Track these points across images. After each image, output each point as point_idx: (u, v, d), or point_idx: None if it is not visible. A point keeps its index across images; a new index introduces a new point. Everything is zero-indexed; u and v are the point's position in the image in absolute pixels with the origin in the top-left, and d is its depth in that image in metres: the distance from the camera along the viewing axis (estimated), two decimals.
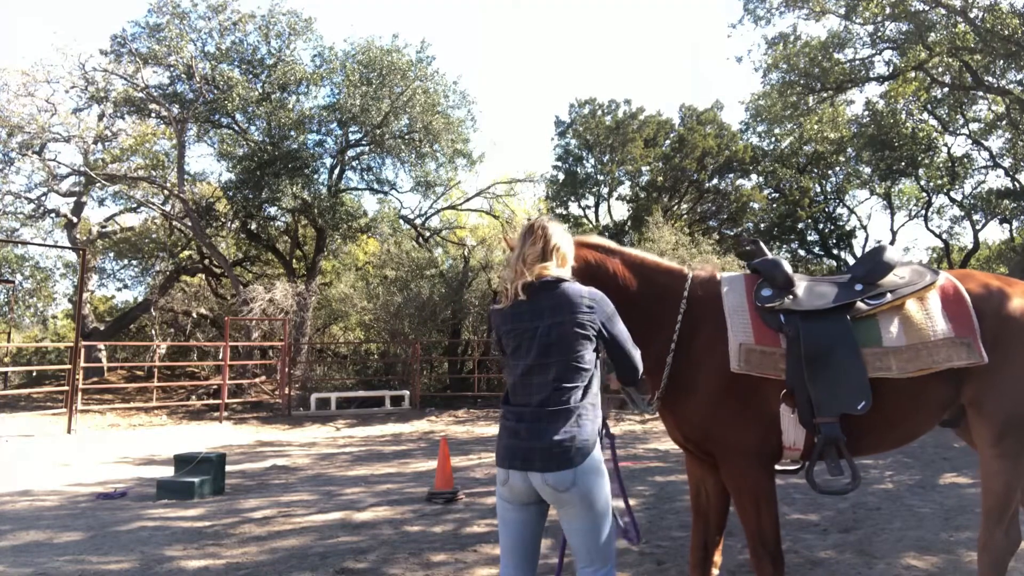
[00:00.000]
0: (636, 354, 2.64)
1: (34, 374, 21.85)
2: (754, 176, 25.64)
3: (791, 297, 3.03)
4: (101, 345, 21.49)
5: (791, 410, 2.91)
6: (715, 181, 25.15)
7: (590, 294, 2.56)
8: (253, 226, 22.22)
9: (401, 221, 24.24)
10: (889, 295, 3.03)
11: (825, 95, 19.84)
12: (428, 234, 25.25)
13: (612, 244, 3.25)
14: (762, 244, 3.38)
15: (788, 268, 3.12)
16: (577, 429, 2.45)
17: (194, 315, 26.19)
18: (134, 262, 24.90)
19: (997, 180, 25.33)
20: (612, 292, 2.77)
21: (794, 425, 2.92)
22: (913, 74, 19.00)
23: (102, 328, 23.42)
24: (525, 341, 2.52)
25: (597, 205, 25.01)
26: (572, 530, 2.49)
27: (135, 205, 23.35)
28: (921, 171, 23.42)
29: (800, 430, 2.92)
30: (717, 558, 3.29)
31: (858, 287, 3.07)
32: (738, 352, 2.92)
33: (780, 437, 2.95)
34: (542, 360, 2.48)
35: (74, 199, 22.51)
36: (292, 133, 20.21)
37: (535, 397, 2.49)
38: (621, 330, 2.61)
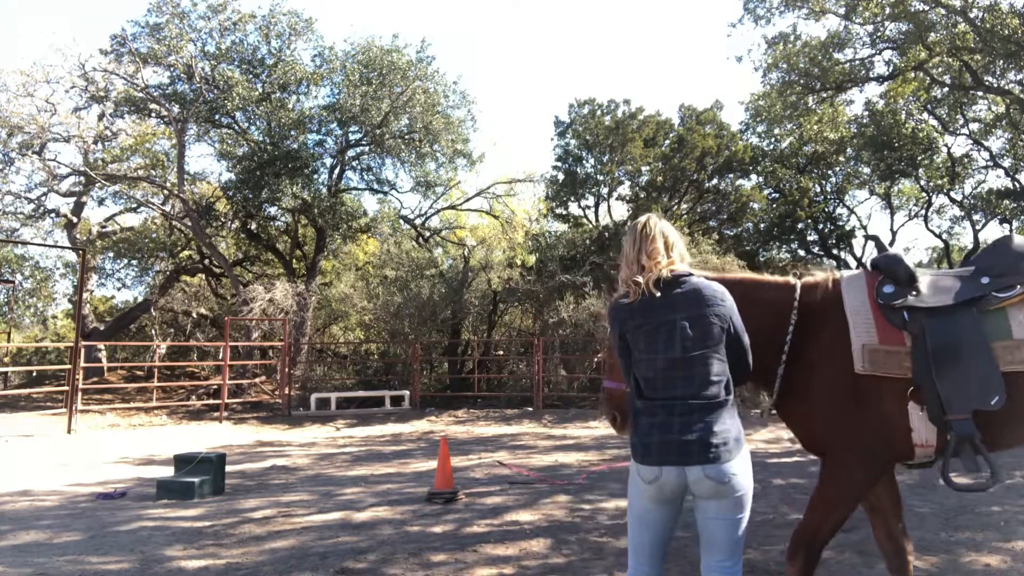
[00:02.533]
0: (749, 355, 2.67)
1: (34, 374, 21.86)
2: (754, 176, 25.63)
3: (915, 293, 2.96)
4: (101, 345, 21.48)
5: (919, 408, 2.85)
6: (715, 181, 25.11)
7: (720, 288, 2.62)
8: (253, 226, 22.21)
9: (401, 221, 24.24)
10: (1020, 287, 2.92)
11: (825, 95, 19.83)
12: (428, 234, 25.24)
13: (704, 272, 3.24)
14: (881, 240, 3.34)
15: (910, 263, 3.05)
16: (732, 422, 2.49)
17: (194, 315, 26.20)
18: (134, 262, 24.89)
19: (997, 180, 25.33)
20: None
21: (924, 423, 2.85)
22: (913, 74, 18.99)
23: (102, 328, 23.42)
24: (663, 335, 2.52)
25: (597, 205, 24.99)
26: (717, 522, 2.50)
27: (135, 205, 23.35)
28: (921, 171, 23.42)
29: (931, 427, 2.86)
30: (909, 546, 3.25)
31: (984, 280, 2.97)
32: (862, 353, 2.87)
33: (905, 436, 2.89)
34: (686, 353, 2.49)
35: (74, 199, 22.50)
36: (292, 133, 20.21)
37: (682, 391, 2.49)
38: (742, 327, 2.64)
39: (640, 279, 2.57)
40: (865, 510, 3.31)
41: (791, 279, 3.23)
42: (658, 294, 2.54)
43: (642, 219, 2.74)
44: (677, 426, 2.46)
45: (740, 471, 2.46)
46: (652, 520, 2.55)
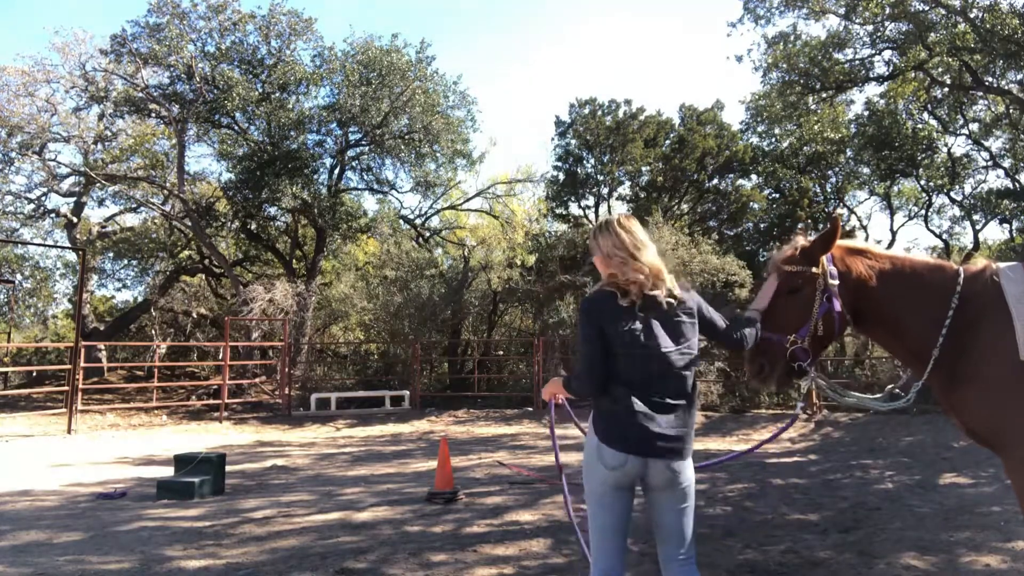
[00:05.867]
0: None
1: (34, 374, 21.85)
2: (754, 176, 25.63)
3: None
4: (101, 345, 21.49)
5: None
6: (715, 181, 25.13)
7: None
8: (253, 226, 22.22)
9: (401, 221, 24.24)
10: None
11: (825, 95, 19.82)
12: (428, 234, 25.25)
13: (877, 248, 3.23)
14: None
15: None
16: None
17: (194, 315, 26.19)
18: (134, 262, 24.90)
19: (997, 180, 25.30)
20: (880, 293, 2.94)
21: None
22: (913, 74, 18.97)
23: (102, 328, 23.42)
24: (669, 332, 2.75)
25: (597, 205, 25.00)
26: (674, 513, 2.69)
27: (135, 205, 23.37)
28: (921, 171, 23.41)
29: None
30: None
31: None
32: None
33: None
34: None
35: (74, 199, 22.52)
36: (292, 133, 20.21)
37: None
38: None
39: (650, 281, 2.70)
40: None
41: (954, 264, 3.19)
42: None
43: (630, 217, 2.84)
44: (663, 422, 2.61)
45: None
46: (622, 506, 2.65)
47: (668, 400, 2.62)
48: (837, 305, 3.00)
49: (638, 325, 2.63)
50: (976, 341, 2.92)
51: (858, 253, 3.14)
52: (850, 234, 26.29)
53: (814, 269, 3.02)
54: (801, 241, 3.17)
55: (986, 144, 23.14)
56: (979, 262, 3.14)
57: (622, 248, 2.70)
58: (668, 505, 2.64)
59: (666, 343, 2.64)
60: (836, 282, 3.02)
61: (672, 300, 2.70)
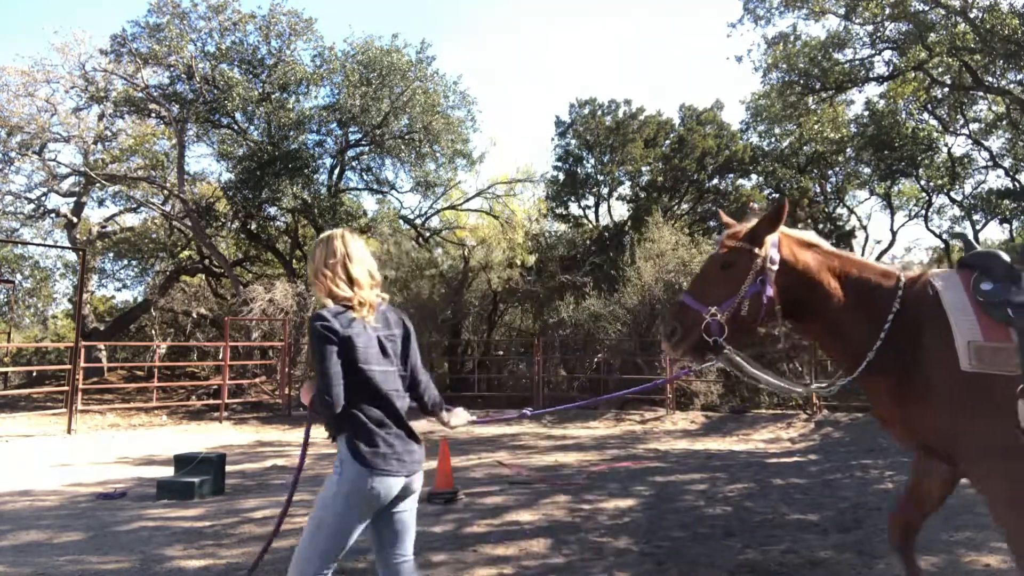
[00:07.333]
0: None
1: (34, 374, 21.85)
2: (754, 176, 25.65)
3: (1015, 288, 2.85)
4: (101, 345, 21.49)
5: None
6: (715, 181, 25.14)
7: None
8: (253, 226, 22.21)
9: (401, 221, 24.24)
10: None
11: (825, 95, 19.84)
12: (428, 234, 25.25)
13: (829, 246, 3.21)
14: (970, 238, 3.29)
15: (1007, 259, 2.97)
16: None
17: (194, 315, 26.20)
18: (134, 262, 24.91)
19: (997, 180, 25.33)
20: (823, 288, 2.93)
21: None
22: (913, 74, 18.99)
23: (102, 328, 23.43)
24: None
25: (597, 205, 25.02)
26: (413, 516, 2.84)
27: (135, 205, 23.37)
28: (921, 171, 23.43)
29: None
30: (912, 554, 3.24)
31: None
32: (967, 350, 2.78)
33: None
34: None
35: (74, 199, 22.51)
36: (292, 133, 20.21)
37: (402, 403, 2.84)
38: None
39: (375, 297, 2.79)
40: (906, 493, 3.22)
41: (895, 269, 3.18)
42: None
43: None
44: (412, 437, 2.72)
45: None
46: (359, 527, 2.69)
47: (403, 419, 2.71)
48: (769, 290, 2.97)
49: (373, 341, 2.65)
50: (918, 351, 2.90)
51: (809, 247, 3.12)
52: (851, 234, 26.38)
53: (755, 249, 3.00)
54: (752, 221, 3.14)
55: (986, 144, 23.18)
56: (916, 269, 3.14)
57: (333, 263, 2.72)
58: (409, 516, 2.76)
59: (394, 361, 2.73)
60: (775, 268, 2.99)
61: (388, 319, 2.80)
